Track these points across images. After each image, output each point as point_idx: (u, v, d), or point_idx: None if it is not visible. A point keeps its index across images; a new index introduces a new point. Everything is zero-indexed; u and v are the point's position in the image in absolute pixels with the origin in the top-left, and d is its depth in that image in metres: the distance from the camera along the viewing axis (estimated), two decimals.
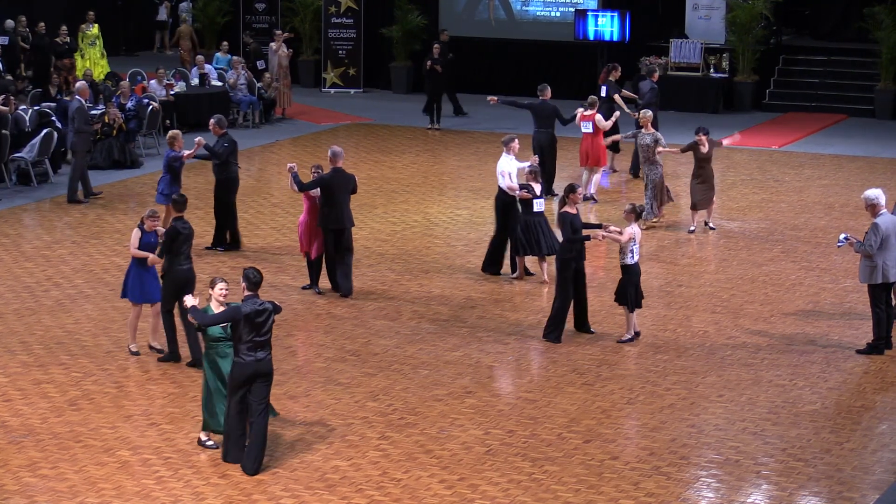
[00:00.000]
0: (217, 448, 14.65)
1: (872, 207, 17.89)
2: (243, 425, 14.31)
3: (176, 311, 17.16)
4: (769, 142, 31.96)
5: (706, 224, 23.84)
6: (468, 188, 26.99)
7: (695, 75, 35.73)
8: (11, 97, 28.03)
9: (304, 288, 20.30)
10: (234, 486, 13.87)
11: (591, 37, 35.83)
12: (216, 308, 14.71)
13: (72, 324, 18.87)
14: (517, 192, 20.88)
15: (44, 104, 29.70)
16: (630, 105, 28.26)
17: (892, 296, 18.28)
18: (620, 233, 18.07)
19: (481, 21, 38.03)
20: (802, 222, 24.65)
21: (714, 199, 23.80)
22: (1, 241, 23.00)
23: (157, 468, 14.27)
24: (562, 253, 18.28)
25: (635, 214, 18.27)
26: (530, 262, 21.14)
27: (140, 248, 17.37)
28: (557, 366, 17.41)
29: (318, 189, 19.86)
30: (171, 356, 17.28)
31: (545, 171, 23.60)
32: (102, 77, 34.57)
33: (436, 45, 33.79)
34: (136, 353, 17.59)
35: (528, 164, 21.28)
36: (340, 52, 38.54)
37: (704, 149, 23.36)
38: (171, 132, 22.84)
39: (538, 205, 20.78)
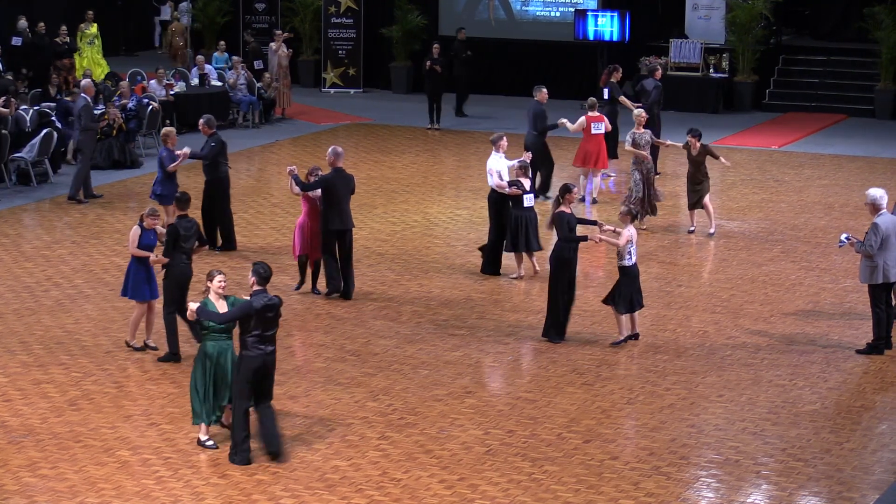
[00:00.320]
0: (217, 448, 14.66)
1: (873, 207, 17.88)
2: (248, 429, 14.34)
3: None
4: (769, 142, 31.97)
5: (709, 233, 23.58)
6: (468, 188, 26.99)
7: (695, 75, 35.73)
8: (12, 98, 28.04)
9: (296, 289, 20.26)
10: (234, 486, 13.87)
11: (591, 37, 35.86)
12: (215, 300, 14.71)
13: (72, 324, 18.87)
14: (506, 189, 20.95)
15: (44, 104, 29.71)
16: (642, 103, 28.09)
17: (893, 296, 18.29)
18: (616, 232, 18.05)
19: (481, 21, 38.03)
20: (802, 222, 24.65)
21: (706, 201, 23.46)
22: (1, 241, 23.00)
23: (156, 468, 14.27)
24: (558, 252, 18.23)
25: (631, 216, 18.24)
26: (516, 257, 21.22)
27: (139, 246, 17.38)
28: (557, 366, 17.41)
29: (319, 190, 19.81)
30: (172, 356, 17.28)
31: (534, 173, 23.59)
32: (102, 77, 34.58)
33: (435, 45, 33.80)
34: (140, 349, 17.62)
35: (516, 161, 21.35)
36: (340, 52, 38.55)
37: (695, 151, 23.32)
38: (164, 129, 22.84)
39: (528, 200, 20.86)
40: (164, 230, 17.60)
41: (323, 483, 13.98)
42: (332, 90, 38.47)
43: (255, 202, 25.84)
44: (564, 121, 25.35)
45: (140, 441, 14.93)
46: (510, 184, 20.98)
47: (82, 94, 26.47)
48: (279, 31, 35.76)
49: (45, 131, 27.17)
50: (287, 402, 15.94)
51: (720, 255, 22.62)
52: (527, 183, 20.92)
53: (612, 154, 27.65)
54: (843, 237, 18.03)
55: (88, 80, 28.20)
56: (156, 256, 17.39)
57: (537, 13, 37.80)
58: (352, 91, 38.50)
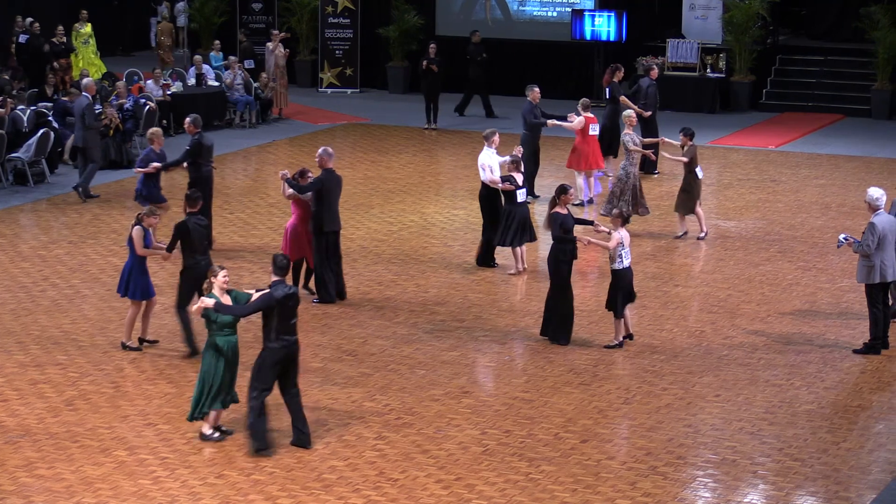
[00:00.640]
0: (223, 440, 14.75)
1: (870, 207, 17.89)
2: (266, 424, 14.50)
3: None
4: (766, 142, 31.97)
5: (698, 237, 23.44)
6: (465, 188, 26.97)
7: (691, 75, 35.74)
8: (8, 98, 28.03)
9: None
10: (231, 486, 13.87)
11: (588, 37, 35.89)
12: (219, 295, 14.76)
13: (68, 324, 18.86)
14: (499, 184, 21.00)
15: (40, 104, 29.69)
16: (646, 104, 28.06)
17: (889, 295, 18.30)
18: (609, 233, 18.00)
19: (478, 21, 38.00)
20: (799, 222, 24.65)
21: (697, 207, 23.13)
22: None
23: (153, 468, 14.26)
24: (553, 254, 18.19)
25: (622, 219, 18.10)
26: (508, 252, 21.23)
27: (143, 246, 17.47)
28: (554, 366, 17.42)
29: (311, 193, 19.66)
30: (193, 353, 17.26)
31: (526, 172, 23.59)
32: (98, 77, 34.53)
33: (432, 45, 33.79)
34: (137, 349, 17.63)
35: (508, 156, 21.38)
36: (337, 52, 38.54)
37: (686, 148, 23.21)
38: (150, 130, 22.78)
39: (521, 195, 20.91)
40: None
41: (320, 483, 13.98)
42: (329, 90, 38.46)
43: (251, 202, 25.83)
44: (555, 121, 25.35)
45: (137, 441, 14.93)
46: (503, 179, 21.03)
47: (84, 94, 26.51)
48: (276, 31, 35.76)
49: (41, 131, 27.16)
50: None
51: (717, 255, 22.62)
52: (519, 178, 20.97)
53: (615, 153, 27.62)
54: (841, 237, 18.04)
55: (90, 79, 28.27)
56: (164, 253, 17.54)
57: (534, 13, 37.80)
58: (349, 91, 38.50)
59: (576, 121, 25.40)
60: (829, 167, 29.32)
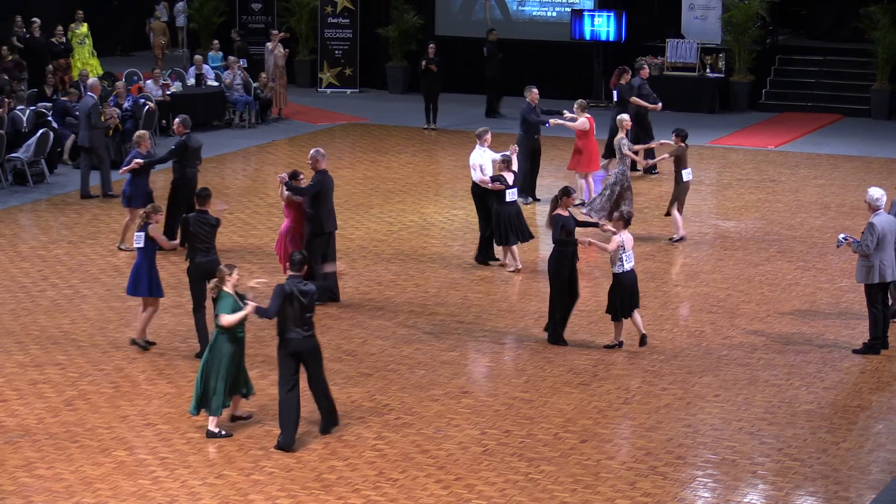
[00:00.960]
0: (230, 437, 14.82)
1: (870, 206, 17.89)
2: (297, 414, 14.68)
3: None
4: (765, 142, 31.97)
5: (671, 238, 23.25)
6: (464, 188, 26.90)
7: (691, 75, 35.73)
8: (7, 98, 28.01)
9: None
10: (231, 486, 13.86)
11: (588, 37, 35.89)
12: (231, 293, 14.93)
13: (68, 324, 18.86)
14: (489, 184, 21.02)
15: (40, 104, 29.68)
16: (651, 99, 28.05)
17: (889, 295, 18.30)
18: (614, 233, 17.99)
19: (477, 21, 38.00)
20: (798, 222, 24.65)
21: (674, 210, 22.98)
22: None
23: (153, 468, 14.27)
24: (555, 256, 18.15)
25: (623, 221, 18.05)
26: (499, 251, 21.24)
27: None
28: (554, 366, 17.41)
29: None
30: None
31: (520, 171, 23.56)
32: (96, 76, 34.52)
33: (431, 45, 33.79)
34: (144, 348, 17.64)
35: (500, 155, 21.41)
36: (337, 52, 38.53)
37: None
38: (137, 133, 22.75)
39: (510, 195, 20.94)
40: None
41: (319, 483, 13.98)
42: (329, 90, 38.45)
43: (251, 202, 25.83)
44: (558, 120, 25.35)
45: (136, 441, 14.93)
46: (493, 179, 21.05)
47: (89, 94, 26.55)
48: (275, 31, 35.75)
49: (41, 131, 27.15)
50: None
51: (716, 255, 22.61)
52: (510, 177, 20.98)
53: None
54: (840, 237, 18.04)
55: (95, 79, 28.35)
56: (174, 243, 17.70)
57: (534, 13, 37.78)
58: (348, 91, 38.49)
59: (578, 121, 25.36)
60: (829, 167, 29.32)
